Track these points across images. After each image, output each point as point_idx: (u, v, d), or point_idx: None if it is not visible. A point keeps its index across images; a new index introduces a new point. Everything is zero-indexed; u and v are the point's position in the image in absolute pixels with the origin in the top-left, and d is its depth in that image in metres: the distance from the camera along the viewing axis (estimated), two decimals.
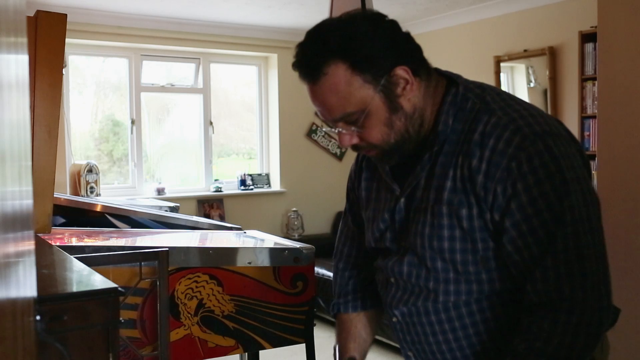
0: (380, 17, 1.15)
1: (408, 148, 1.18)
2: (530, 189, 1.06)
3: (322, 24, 1.15)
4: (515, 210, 1.08)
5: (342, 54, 1.09)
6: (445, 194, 1.14)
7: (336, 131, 1.17)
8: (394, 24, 1.15)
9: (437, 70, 1.22)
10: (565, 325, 1.06)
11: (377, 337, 3.52)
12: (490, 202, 1.10)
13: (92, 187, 4.70)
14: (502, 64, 4.63)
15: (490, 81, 4.62)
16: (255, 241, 2.40)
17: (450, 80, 1.21)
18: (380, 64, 1.10)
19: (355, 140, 1.16)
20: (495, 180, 1.08)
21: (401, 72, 1.11)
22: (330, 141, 6.02)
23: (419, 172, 1.18)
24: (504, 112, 1.13)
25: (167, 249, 1.88)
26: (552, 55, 4.30)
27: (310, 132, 5.93)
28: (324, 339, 4.43)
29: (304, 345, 2.14)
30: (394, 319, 1.26)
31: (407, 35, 1.16)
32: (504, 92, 1.22)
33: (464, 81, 1.20)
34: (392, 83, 1.11)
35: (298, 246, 2.13)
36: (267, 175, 5.92)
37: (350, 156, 6.06)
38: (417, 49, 1.17)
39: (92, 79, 5.29)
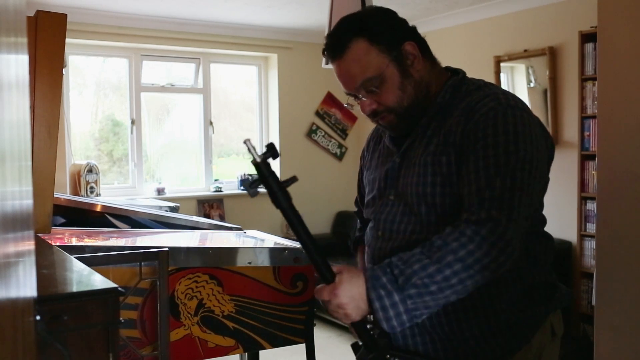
0: (387, 9, 1.43)
1: (415, 115, 1.40)
2: (487, 137, 1.28)
3: (343, 18, 1.42)
4: (471, 152, 1.29)
5: (361, 32, 1.35)
6: (431, 147, 1.36)
7: (358, 101, 1.40)
8: (397, 15, 1.43)
9: (445, 67, 1.47)
10: (483, 238, 1.22)
11: None
12: (460, 147, 1.31)
13: (92, 187, 4.70)
14: (502, 64, 4.63)
15: (490, 81, 4.62)
16: (255, 241, 2.40)
17: (456, 72, 1.46)
18: (391, 37, 1.36)
19: (374, 106, 1.38)
20: (467, 130, 1.31)
21: (409, 47, 1.37)
22: (330, 141, 6.02)
23: (414, 134, 1.41)
24: (490, 89, 1.38)
25: (167, 249, 1.88)
26: (552, 55, 4.29)
27: (310, 132, 5.92)
28: (324, 339, 4.43)
29: (304, 345, 2.14)
30: None
31: (413, 27, 1.42)
32: (501, 87, 1.44)
33: (465, 74, 1.45)
34: (402, 55, 1.36)
35: (298, 246, 2.13)
36: None
37: (350, 157, 6.06)
38: (421, 38, 1.42)
39: (92, 79, 5.29)
